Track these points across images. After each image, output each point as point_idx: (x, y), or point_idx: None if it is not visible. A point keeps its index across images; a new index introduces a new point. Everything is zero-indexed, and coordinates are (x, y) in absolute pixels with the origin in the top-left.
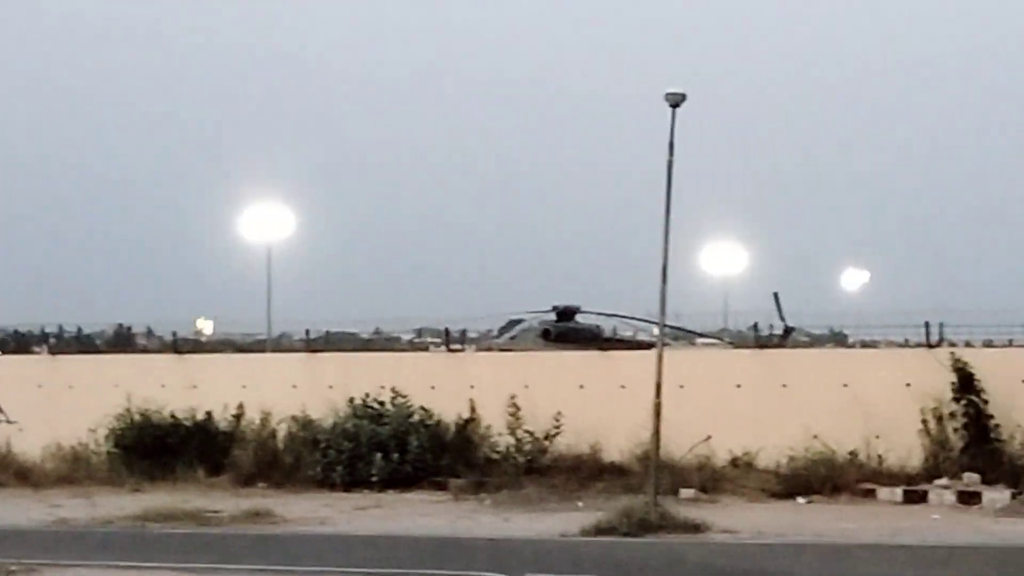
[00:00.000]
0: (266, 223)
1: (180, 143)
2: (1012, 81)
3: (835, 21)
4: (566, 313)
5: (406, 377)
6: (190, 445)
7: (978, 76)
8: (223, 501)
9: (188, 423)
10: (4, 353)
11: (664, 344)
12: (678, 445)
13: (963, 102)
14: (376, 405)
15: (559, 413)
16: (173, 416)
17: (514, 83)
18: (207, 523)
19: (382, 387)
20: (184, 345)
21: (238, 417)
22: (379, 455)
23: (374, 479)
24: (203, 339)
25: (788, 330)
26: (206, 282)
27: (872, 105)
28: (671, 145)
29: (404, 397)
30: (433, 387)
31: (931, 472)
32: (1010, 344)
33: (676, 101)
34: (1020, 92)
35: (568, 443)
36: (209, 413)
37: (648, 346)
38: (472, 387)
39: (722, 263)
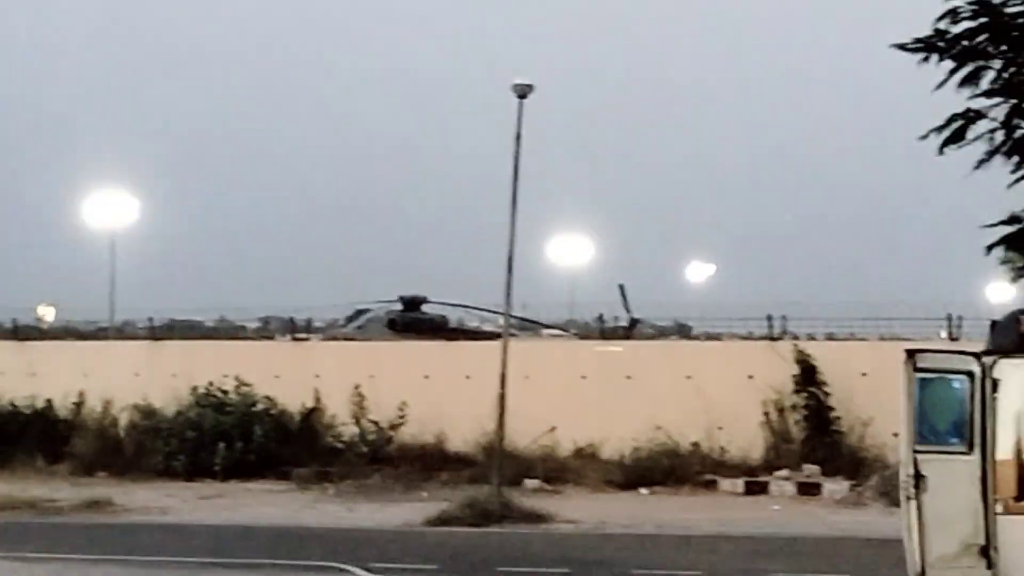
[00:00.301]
0: (110, 209)
1: (22, 126)
2: (851, 89)
3: (692, 18)
4: (413, 303)
5: (251, 366)
6: (29, 433)
7: (822, 82)
8: (63, 490)
9: (27, 411)
10: None
11: (510, 335)
12: (523, 435)
13: (807, 102)
14: (220, 394)
15: (404, 403)
16: (12, 404)
17: (367, 70)
18: (46, 512)
19: (226, 376)
20: (24, 332)
21: (79, 405)
22: (222, 444)
23: (217, 468)
24: (44, 326)
25: (633, 322)
26: (48, 268)
27: (719, 101)
28: (518, 136)
29: (248, 386)
30: (278, 376)
31: (772, 463)
32: (852, 337)
33: (523, 92)
34: (859, 100)
35: (413, 433)
36: (49, 401)
37: (494, 336)
38: (317, 376)
39: (569, 254)
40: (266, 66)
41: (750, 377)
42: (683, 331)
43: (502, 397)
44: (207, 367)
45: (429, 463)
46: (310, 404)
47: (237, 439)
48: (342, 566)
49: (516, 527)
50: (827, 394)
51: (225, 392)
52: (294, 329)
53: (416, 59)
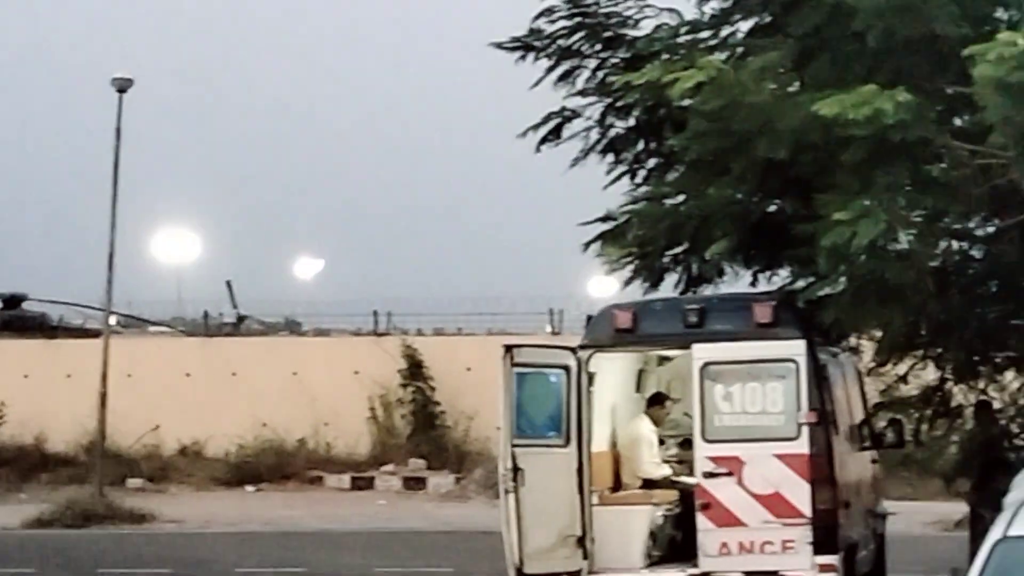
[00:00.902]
0: None
1: None
2: (461, 85)
3: (300, 13)
4: (12, 301)
5: None
6: None
7: (430, 78)
8: None
9: None
10: None
11: (113, 332)
12: (126, 435)
13: (414, 98)
14: None
15: (2, 403)
16: None
17: None
18: None
19: None
20: None
21: None
22: None
23: None
24: None
25: (241, 318)
26: None
27: (330, 94)
28: (118, 131)
29: None
30: None
31: (379, 459)
32: (460, 332)
33: (123, 87)
34: (470, 97)
35: (12, 434)
36: None
37: (97, 334)
38: None
39: (176, 250)
40: None
41: (356, 373)
42: (292, 327)
43: (103, 396)
44: None
45: (29, 464)
46: None
47: None
48: None
49: (119, 528)
50: (433, 389)
51: None
52: None
53: (9, 51)
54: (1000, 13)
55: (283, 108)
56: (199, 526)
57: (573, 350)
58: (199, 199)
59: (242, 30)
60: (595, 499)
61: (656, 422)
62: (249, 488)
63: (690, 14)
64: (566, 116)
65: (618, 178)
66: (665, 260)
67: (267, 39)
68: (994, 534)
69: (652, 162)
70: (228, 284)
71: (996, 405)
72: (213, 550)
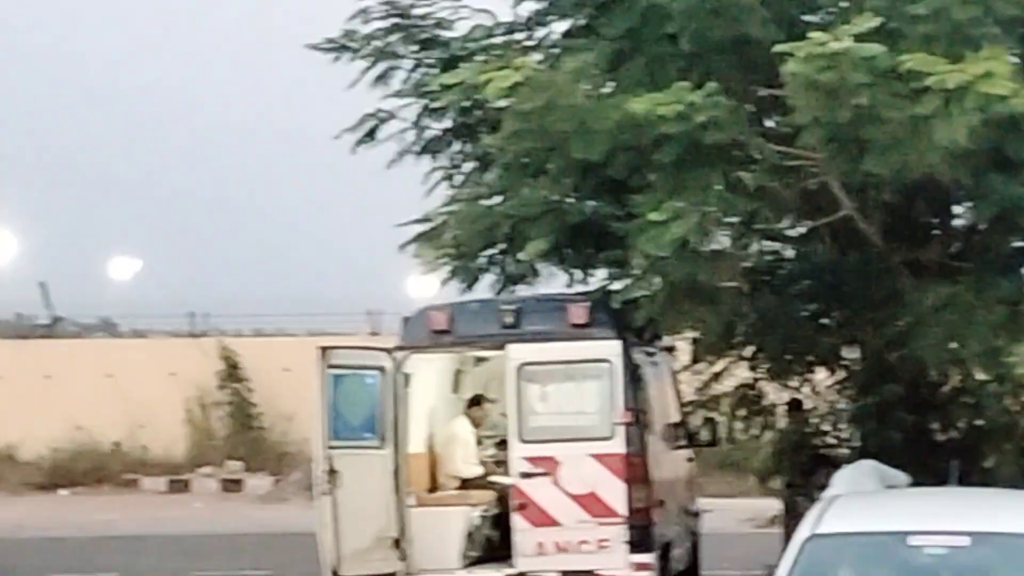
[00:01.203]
0: None
1: None
2: (278, 84)
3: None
4: None
5: None
6: None
7: (247, 73)
8: None
9: None
10: None
11: None
12: None
13: (234, 95)
14: None
15: None
16: None
17: None
18: None
19: None
20: None
21: None
22: None
23: None
24: None
25: (55, 319)
26: None
27: (140, 92)
28: None
29: None
30: None
31: (196, 461)
32: (280, 333)
33: None
34: (285, 97)
35: None
36: None
37: None
38: None
39: None
40: None
41: (173, 374)
42: (108, 329)
43: None
44: None
45: None
46: None
47: None
48: None
49: None
50: (251, 390)
51: None
52: None
53: None
54: (809, 17)
55: (100, 105)
56: (11, 531)
57: (389, 351)
58: (12, 198)
59: (58, 24)
60: (412, 500)
61: (475, 423)
62: (63, 492)
63: (505, 15)
64: (382, 118)
65: (437, 183)
66: (481, 261)
67: (84, 34)
68: (803, 532)
69: (469, 164)
70: (42, 285)
71: (808, 404)
72: (25, 555)
